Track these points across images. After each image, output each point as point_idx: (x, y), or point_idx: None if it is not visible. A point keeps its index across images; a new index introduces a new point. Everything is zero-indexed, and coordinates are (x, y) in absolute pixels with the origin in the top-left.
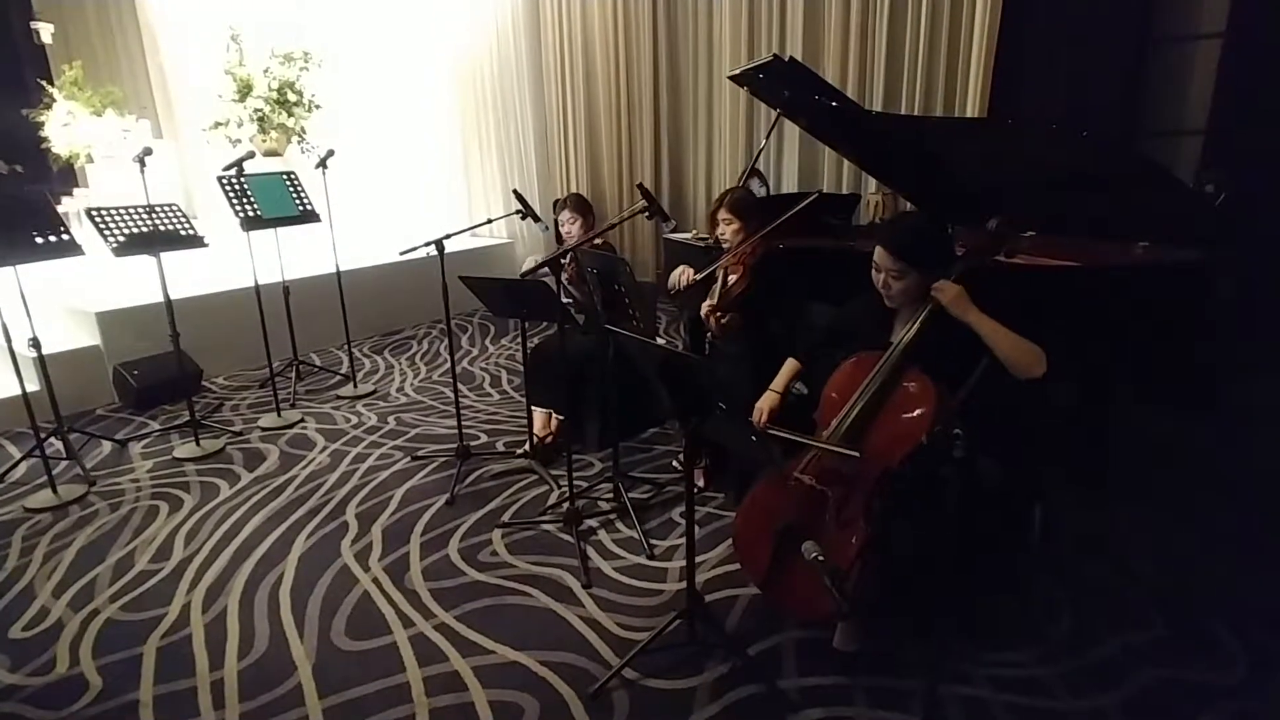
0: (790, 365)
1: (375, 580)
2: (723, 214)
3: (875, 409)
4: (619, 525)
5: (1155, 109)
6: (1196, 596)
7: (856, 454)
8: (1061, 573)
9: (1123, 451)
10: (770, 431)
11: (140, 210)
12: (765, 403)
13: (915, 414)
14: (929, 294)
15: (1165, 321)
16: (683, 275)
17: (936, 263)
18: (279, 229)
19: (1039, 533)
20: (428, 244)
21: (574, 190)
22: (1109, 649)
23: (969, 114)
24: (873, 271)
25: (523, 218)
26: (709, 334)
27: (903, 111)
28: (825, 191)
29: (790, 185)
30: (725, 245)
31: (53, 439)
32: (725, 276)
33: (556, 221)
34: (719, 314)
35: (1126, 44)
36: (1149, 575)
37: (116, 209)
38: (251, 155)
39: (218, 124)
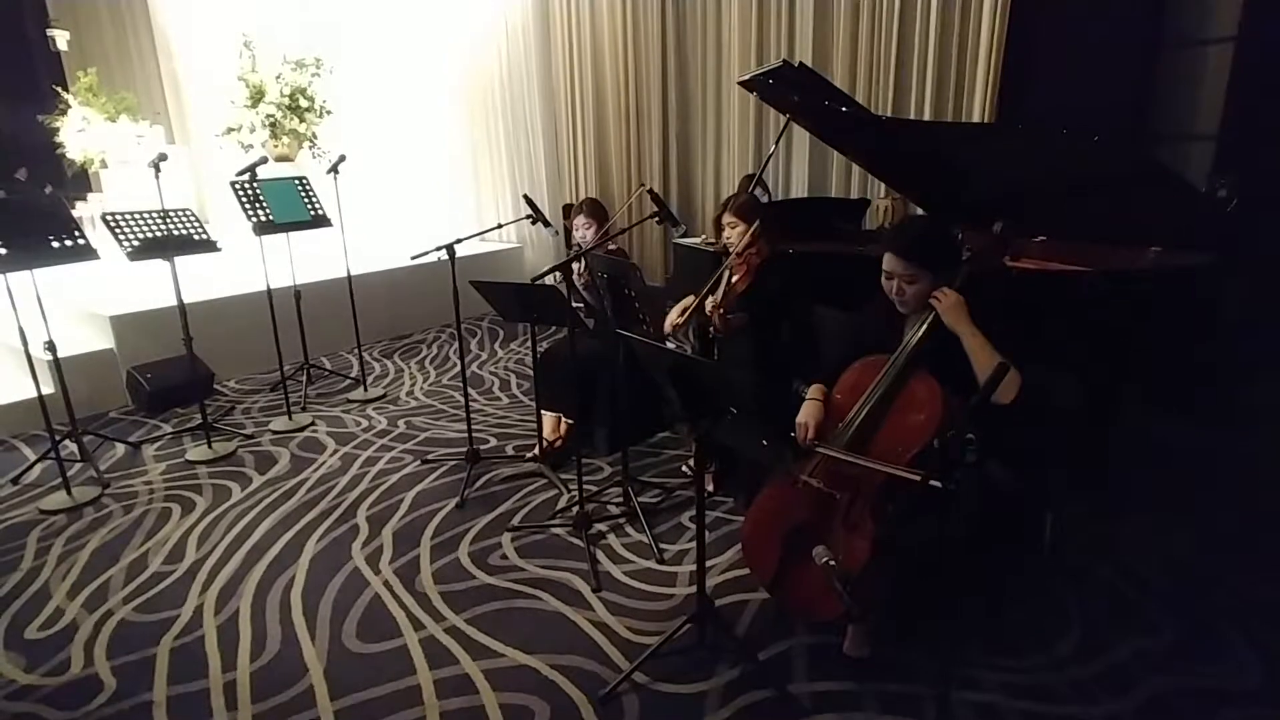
0: (817, 388)
1: (386, 583)
2: (728, 218)
3: (883, 411)
4: (628, 529)
5: (1166, 113)
6: (1208, 602)
7: (919, 477)
8: (1072, 578)
9: (1132, 456)
10: (819, 449)
11: (155, 215)
12: (810, 417)
13: (922, 417)
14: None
15: (1176, 326)
16: (674, 313)
17: (947, 264)
18: (291, 233)
19: (1049, 538)
20: (439, 248)
21: (584, 195)
22: (1120, 654)
23: (978, 119)
24: (883, 279)
25: (533, 222)
26: (711, 332)
27: (912, 116)
28: (835, 197)
29: (800, 190)
30: (731, 248)
31: (67, 441)
32: (730, 276)
33: (568, 227)
34: (721, 310)
35: (1137, 48)
36: (1159, 580)
37: (131, 214)
38: (264, 160)
39: (230, 129)
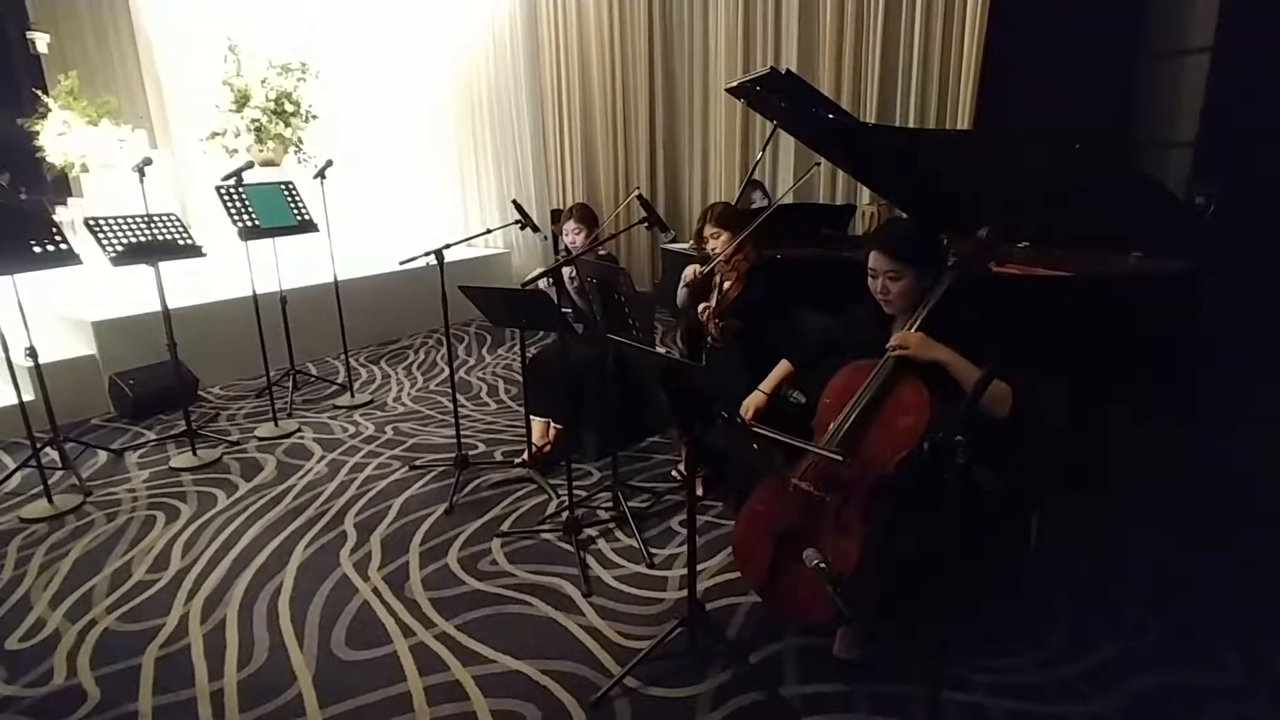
0: (783, 367)
1: (375, 590)
2: (709, 229)
3: (870, 415)
4: (618, 534)
5: (1146, 122)
6: (1192, 601)
7: (840, 458)
8: (1059, 578)
9: (1118, 457)
10: (755, 429)
11: (139, 220)
12: (751, 402)
13: (910, 420)
14: (921, 299)
15: (1156, 330)
16: (691, 271)
17: (931, 263)
18: (277, 239)
19: (1036, 539)
20: (428, 254)
21: (572, 201)
22: (1106, 654)
23: (963, 126)
24: (869, 279)
25: (522, 228)
26: (708, 339)
27: (896, 123)
28: (822, 203)
29: (786, 197)
30: (715, 258)
31: (48, 449)
32: (721, 284)
33: (556, 232)
34: (717, 318)
35: (1118, 58)
36: (1145, 580)
37: (115, 218)
38: (250, 165)
39: (215, 134)
